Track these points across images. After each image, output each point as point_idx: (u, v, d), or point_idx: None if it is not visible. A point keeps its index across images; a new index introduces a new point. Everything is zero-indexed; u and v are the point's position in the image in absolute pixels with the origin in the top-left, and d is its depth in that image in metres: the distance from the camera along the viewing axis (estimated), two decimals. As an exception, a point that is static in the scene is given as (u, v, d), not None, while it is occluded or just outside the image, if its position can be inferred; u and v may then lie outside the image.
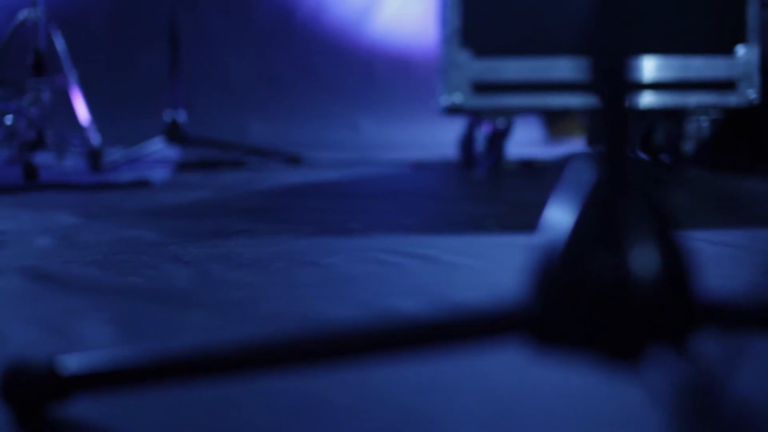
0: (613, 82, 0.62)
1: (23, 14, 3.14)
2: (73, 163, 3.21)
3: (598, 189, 0.60)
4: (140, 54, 4.93)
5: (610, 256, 0.57)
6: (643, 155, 2.97)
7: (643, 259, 0.58)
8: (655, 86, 2.87)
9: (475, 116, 2.98)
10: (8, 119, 2.95)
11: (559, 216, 0.60)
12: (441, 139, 4.35)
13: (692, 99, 2.89)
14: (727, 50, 2.89)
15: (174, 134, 3.39)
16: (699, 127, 2.92)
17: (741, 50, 2.88)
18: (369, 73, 4.95)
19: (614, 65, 0.63)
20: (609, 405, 0.72)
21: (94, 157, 3.04)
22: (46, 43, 3.14)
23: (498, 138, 2.94)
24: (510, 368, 0.83)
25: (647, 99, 2.87)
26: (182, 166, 3.27)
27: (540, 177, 2.88)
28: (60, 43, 3.13)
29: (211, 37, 5.19)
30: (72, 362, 0.74)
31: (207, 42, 5.11)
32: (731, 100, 2.89)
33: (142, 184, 2.70)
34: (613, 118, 0.62)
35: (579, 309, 0.57)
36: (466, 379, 0.82)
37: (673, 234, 0.60)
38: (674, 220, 0.60)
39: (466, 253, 1.46)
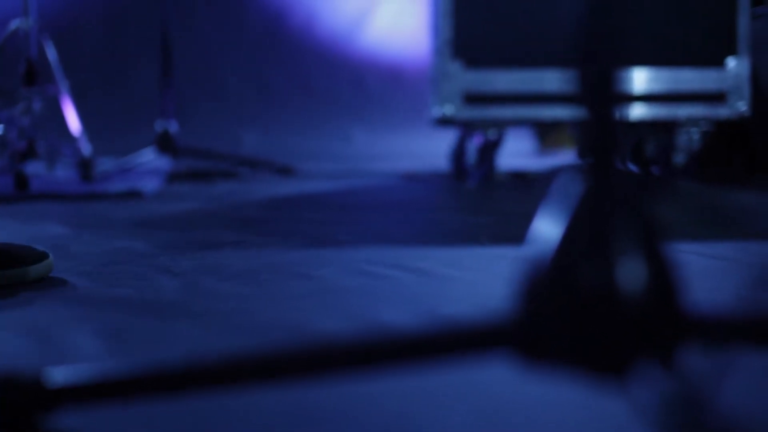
0: (601, 94, 0.63)
1: (15, 23, 3.13)
2: (64, 173, 3.21)
3: (586, 202, 0.61)
4: (132, 64, 4.93)
5: (598, 270, 0.57)
6: (633, 167, 2.98)
7: (631, 273, 0.58)
8: (646, 98, 2.88)
9: (466, 127, 2.98)
10: (-1, 129, 2.95)
11: (547, 229, 0.60)
12: (433, 150, 4.35)
13: (683, 111, 2.90)
14: (718, 62, 2.90)
15: (165, 144, 3.39)
16: (690, 139, 2.93)
17: (731, 62, 2.89)
18: (361, 84, 4.96)
19: (602, 77, 0.63)
20: (596, 417, 0.72)
21: (85, 167, 3.04)
22: (38, 53, 3.14)
23: (489, 149, 2.94)
24: (498, 379, 0.83)
25: (638, 111, 2.88)
26: (173, 177, 3.26)
27: (531, 188, 2.88)
28: (52, 53, 3.13)
29: (204, 47, 5.19)
30: (59, 375, 0.73)
31: (199, 52, 5.11)
32: (722, 112, 2.90)
33: (133, 195, 2.69)
34: (601, 130, 0.62)
35: (566, 323, 0.57)
36: (453, 389, 0.82)
37: (660, 247, 0.60)
38: (662, 233, 0.60)
39: (457, 266, 1.46)
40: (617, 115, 0.63)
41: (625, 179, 0.61)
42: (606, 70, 0.63)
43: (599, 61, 0.63)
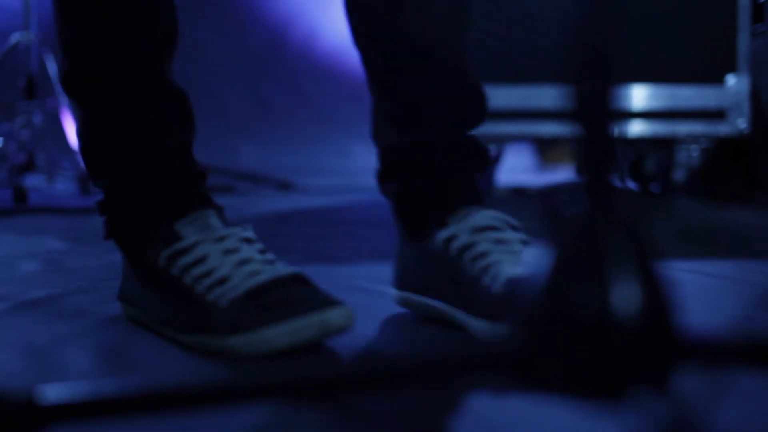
0: (596, 111, 0.62)
1: (15, 37, 3.14)
2: (63, 187, 3.20)
3: (580, 222, 0.60)
4: (132, 78, 4.93)
5: (591, 293, 0.57)
6: (633, 184, 2.98)
7: (625, 296, 0.57)
8: (646, 115, 2.88)
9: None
10: (-1, 142, 2.95)
11: (541, 252, 0.60)
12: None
13: (682, 128, 2.90)
14: (718, 80, 2.90)
15: (165, 159, 3.39)
16: (689, 156, 2.93)
17: (731, 80, 2.89)
18: (360, 100, 4.94)
19: (597, 94, 0.62)
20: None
21: (84, 181, 3.04)
22: (38, 67, 3.14)
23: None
24: (491, 400, 0.82)
25: (637, 128, 2.88)
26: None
27: (531, 204, 2.87)
28: (52, 67, 3.13)
29: (203, 61, 5.20)
30: (51, 392, 0.73)
31: (199, 66, 5.12)
32: (721, 129, 2.90)
33: (132, 209, 2.68)
34: (596, 148, 0.62)
35: (560, 346, 0.56)
36: (447, 406, 0.81)
37: (656, 269, 0.59)
38: (658, 254, 0.60)
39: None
40: (613, 132, 0.62)
41: (620, 199, 0.61)
42: (602, 86, 0.63)
43: (595, 78, 0.63)
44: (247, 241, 1.10)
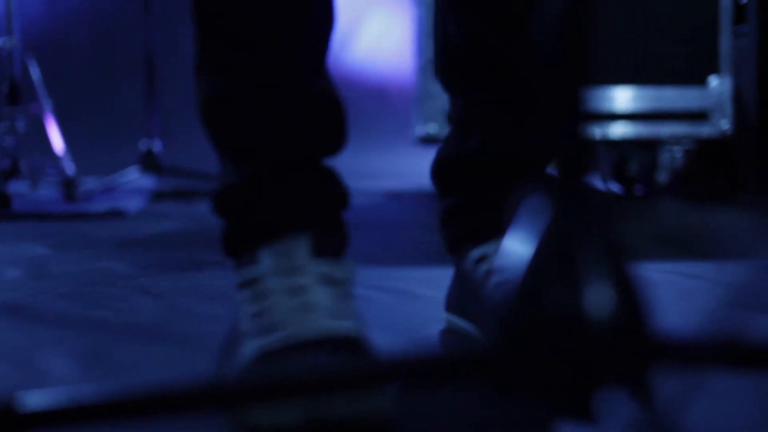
0: (570, 112, 0.63)
1: (-2, 43, 3.13)
2: (47, 193, 3.19)
3: (554, 224, 0.60)
4: (116, 83, 4.92)
5: (565, 294, 0.57)
6: (616, 186, 2.98)
7: (599, 297, 0.58)
8: (629, 117, 2.89)
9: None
10: (-18, 148, 2.94)
11: (515, 252, 0.60)
12: (417, 168, 4.35)
13: (665, 129, 2.91)
14: (700, 81, 2.91)
15: (150, 164, 3.38)
16: (672, 157, 2.94)
17: (714, 81, 2.91)
18: (346, 103, 4.95)
19: (571, 96, 0.63)
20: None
21: (68, 187, 3.03)
22: (21, 72, 3.13)
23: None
24: (469, 399, 0.83)
25: (620, 129, 2.89)
26: (157, 196, 3.26)
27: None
28: (35, 72, 3.12)
29: (189, 66, 5.18)
30: (31, 399, 0.73)
31: (184, 72, 5.11)
32: (704, 130, 2.91)
33: (115, 215, 2.68)
34: (570, 149, 0.62)
35: (533, 348, 0.57)
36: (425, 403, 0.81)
37: (629, 270, 0.60)
38: (632, 255, 0.60)
39: (438, 287, 1.46)
40: (588, 134, 0.62)
41: (595, 200, 0.61)
42: (574, 88, 0.63)
43: (571, 79, 0.63)
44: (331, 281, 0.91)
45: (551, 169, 1.10)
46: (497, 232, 1.06)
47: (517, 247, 0.60)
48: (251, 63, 0.95)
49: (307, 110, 0.97)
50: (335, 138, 1.00)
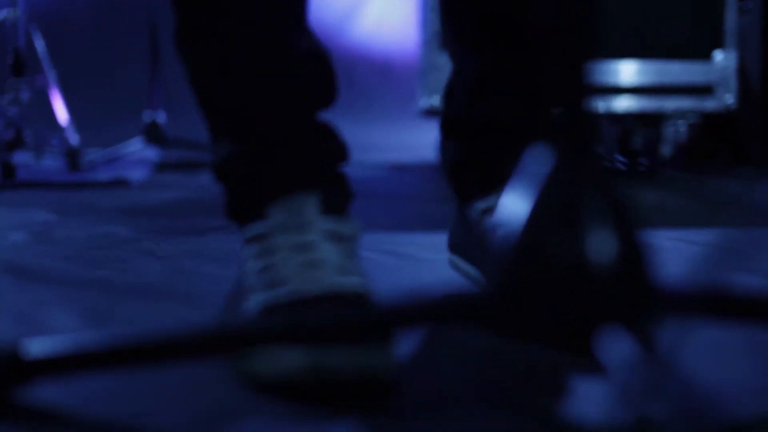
0: (575, 76, 0.63)
1: (3, 14, 3.13)
2: (51, 163, 3.19)
3: (555, 175, 0.61)
4: (120, 55, 4.92)
5: (567, 242, 0.58)
6: (621, 159, 2.98)
7: (600, 246, 0.58)
8: (633, 91, 2.88)
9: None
10: (-14, 118, 2.94)
11: (517, 203, 0.61)
12: (421, 141, 4.35)
13: (670, 104, 2.91)
14: (705, 55, 2.90)
15: (153, 135, 3.38)
16: (677, 131, 2.94)
17: (719, 55, 2.90)
18: (350, 77, 4.95)
19: (574, 62, 0.63)
20: (565, 379, 0.73)
21: (72, 157, 3.03)
22: (26, 43, 3.13)
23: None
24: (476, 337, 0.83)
25: (625, 103, 2.88)
26: (161, 167, 3.26)
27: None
28: (40, 44, 3.12)
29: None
30: (36, 346, 0.73)
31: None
32: (709, 104, 2.91)
33: (120, 184, 2.69)
34: (574, 108, 0.63)
35: (535, 293, 0.57)
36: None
37: (630, 221, 0.60)
38: (632, 208, 0.60)
39: (440, 251, 1.46)
40: (592, 82, 0.63)
41: (595, 156, 0.61)
42: (582, 52, 0.63)
43: (575, 47, 0.64)
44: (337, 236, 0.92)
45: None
46: (504, 184, 1.04)
47: (521, 194, 0.61)
48: (233, 27, 0.95)
49: (295, 67, 0.97)
50: (327, 91, 1.00)
